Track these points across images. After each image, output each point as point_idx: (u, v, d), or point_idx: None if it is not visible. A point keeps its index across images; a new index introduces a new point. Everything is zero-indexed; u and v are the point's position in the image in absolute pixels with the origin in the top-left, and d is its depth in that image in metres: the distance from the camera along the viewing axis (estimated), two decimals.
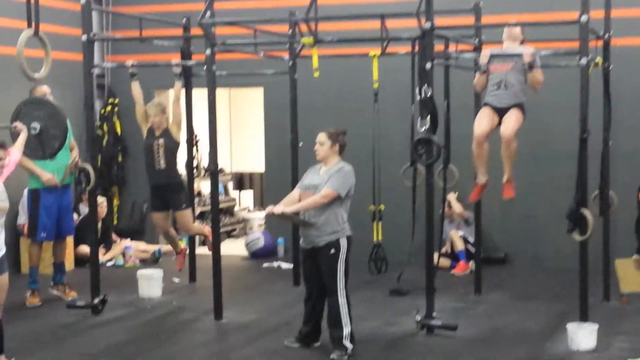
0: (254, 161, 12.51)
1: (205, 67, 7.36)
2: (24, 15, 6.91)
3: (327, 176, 6.09)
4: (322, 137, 6.21)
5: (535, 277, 8.79)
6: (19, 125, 6.36)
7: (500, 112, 7.09)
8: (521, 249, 9.49)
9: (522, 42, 7.18)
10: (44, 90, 7.86)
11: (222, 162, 12.77)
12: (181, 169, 9.72)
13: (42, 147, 6.83)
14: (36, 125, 6.71)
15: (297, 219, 6.17)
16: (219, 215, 7.50)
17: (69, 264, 9.36)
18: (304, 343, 6.27)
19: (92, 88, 7.63)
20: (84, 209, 9.22)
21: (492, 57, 7.17)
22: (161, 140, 7.88)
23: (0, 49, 8.34)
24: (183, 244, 8.55)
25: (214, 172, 7.40)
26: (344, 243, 6.06)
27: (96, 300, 7.38)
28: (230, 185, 13.02)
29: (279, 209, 6.13)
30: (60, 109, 6.98)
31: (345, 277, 6.06)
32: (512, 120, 7.01)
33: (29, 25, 6.79)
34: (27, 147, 6.45)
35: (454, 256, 9.24)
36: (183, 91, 8.33)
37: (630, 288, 5.93)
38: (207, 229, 8.36)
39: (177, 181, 8.05)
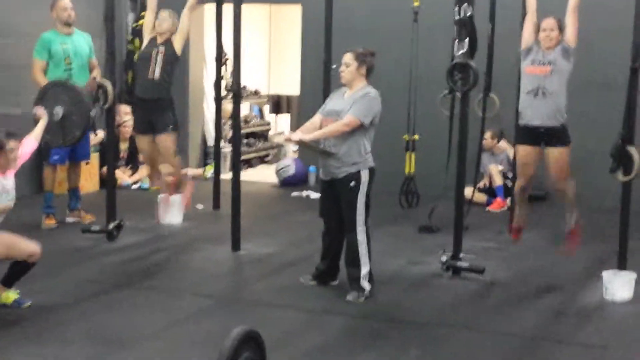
0: (292, 83, 12.03)
1: None
2: None
3: (351, 101, 5.61)
4: (348, 57, 5.70)
5: (586, 218, 8.17)
6: (39, 111, 5.99)
7: (539, 137, 6.26)
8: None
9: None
10: (66, 3, 7.47)
11: (259, 84, 12.42)
12: (209, 87, 9.34)
13: (63, 133, 6.54)
14: (59, 110, 6.38)
15: (316, 148, 5.72)
16: (239, 139, 7.07)
17: (94, 185, 9.12)
18: (320, 280, 5.90)
19: (111, 1, 7.18)
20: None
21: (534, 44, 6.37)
22: (162, 48, 7.33)
23: None
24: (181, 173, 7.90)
25: (236, 92, 6.94)
26: (365, 175, 5.61)
27: (111, 226, 7.09)
28: (267, 108, 12.60)
29: (296, 136, 5.69)
30: (85, 96, 6.61)
31: (366, 212, 5.62)
32: (559, 166, 6.25)
33: None
34: (48, 132, 6.12)
35: (492, 192, 8.74)
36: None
37: None
38: (180, 174, 7.77)
39: (167, 97, 7.40)
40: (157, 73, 7.27)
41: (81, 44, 7.54)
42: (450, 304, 5.64)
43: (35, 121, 5.93)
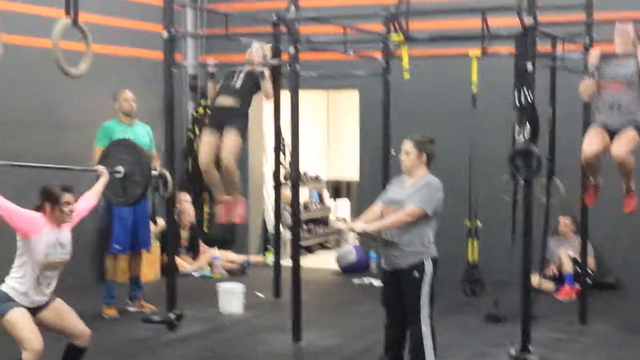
0: (351, 168, 12.00)
1: (288, 67, 6.92)
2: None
3: (412, 191, 5.52)
4: (407, 145, 5.62)
5: None
6: (99, 168, 6.02)
7: (613, 132, 6.34)
8: (636, 273, 8.64)
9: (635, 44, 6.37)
10: (127, 95, 7.60)
11: (318, 169, 12.43)
12: (268, 174, 9.35)
13: (124, 192, 6.52)
14: (121, 169, 6.40)
15: (378, 238, 5.62)
16: (299, 228, 7.04)
17: (155, 273, 9.12)
18: None
19: (172, 89, 7.27)
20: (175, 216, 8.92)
21: (604, 58, 6.41)
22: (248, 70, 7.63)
23: (41, 41, 7.94)
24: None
25: (295, 181, 6.92)
26: (429, 266, 5.48)
27: (172, 315, 7.03)
28: (327, 193, 12.57)
29: (359, 226, 5.60)
30: (146, 155, 6.65)
31: (430, 303, 5.47)
32: (625, 141, 6.22)
33: (67, 14, 6.01)
34: (109, 190, 6.13)
35: (560, 279, 8.48)
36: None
37: None
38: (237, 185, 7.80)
39: (243, 108, 7.63)
40: (239, 83, 7.47)
41: (142, 134, 7.64)
42: None
43: (97, 178, 5.92)
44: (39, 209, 5.07)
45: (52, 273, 5.08)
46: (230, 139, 7.45)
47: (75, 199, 5.19)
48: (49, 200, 5.03)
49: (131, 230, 7.55)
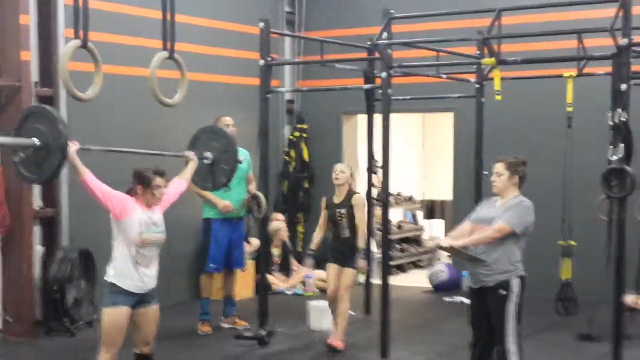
0: (446, 189, 12.00)
1: (380, 91, 7.03)
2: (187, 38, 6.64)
3: (502, 210, 5.52)
4: (499, 167, 5.63)
5: None
6: (189, 154, 6.20)
7: None
8: None
9: None
10: (228, 121, 7.80)
11: (412, 190, 12.48)
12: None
13: (211, 178, 6.65)
14: (209, 155, 6.53)
15: (465, 255, 5.64)
16: (389, 247, 7.11)
17: (249, 291, 9.31)
18: None
19: (267, 114, 7.50)
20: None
21: None
22: (342, 211, 7.18)
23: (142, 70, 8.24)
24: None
25: (385, 201, 7.00)
26: (516, 284, 5.46)
27: (263, 332, 7.19)
28: (421, 213, 12.60)
29: (446, 242, 5.64)
30: (234, 145, 6.75)
31: (517, 322, 5.45)
32: None
33: (164, 47, 6.16)
34: (197, 175, 6.26)
35: None
36: None
37: None
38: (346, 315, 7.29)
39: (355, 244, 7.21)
40: (345, 233, 7.21)
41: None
42: None
43: (186, 163, 6.06)
44: (130, 192, 5.26)
45: (149, 252, 5.20)
46: (346, 274, 7.19)
47: (166, 183, 5.35)
48: (141, 183, 5.22)
49: (226, 250, 7.74)
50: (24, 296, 7.56)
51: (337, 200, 7.19)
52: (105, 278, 5.20)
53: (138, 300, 5.18)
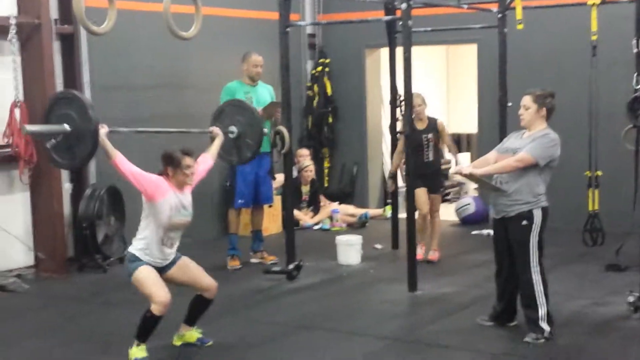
0: (471, 121, 11.94)
1: (401, 23, 6.94)
2: None
3: (529, 140, 5.50)
4: (527, 100, 5.58)
5: None
6: (215, 130, 6.15)
7: None
8: None
9: None
10: (259, 61, 7.76)
11: None
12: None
13: (237, 152, 6.64)
14: (234, 129, 6.51)
15: (486, 183, 5.64)
16: (413, 179, 7.08)
17: (277, 227, 9.39)
18: (498, 321, 5.78)
19: (287, 48, 7.43)
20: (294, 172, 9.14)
21: None
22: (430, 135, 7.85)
23: (154, 6, 7.96)
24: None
25: (408, 134, 6.98)
26: (537, 214, 5.46)
27: (291, 266, 7.28)
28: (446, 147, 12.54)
29: (467, 169, 5.60)
30: (260, 120, 6.73)
31: (540, 251, 5.46)
32: None
33: None
34: (222, 149, 6.22)
35: None
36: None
37: None
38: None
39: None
40: (430, 156, 7.84)
41: (264, 94, 7.82)
42: (637, 349, 5.36)
43: (212, 139, 6.09)
44: (162, 173, 5.29)
45: (175, 234, 5.32)
46: (435, 198, 7.95)
47: (195, 162, 5.38)
48: (171, 165, 5.24)
49: (254, 185, 7.80)
50: (55, 233, 7.69)
51: (420, 126, 7.79)
52: (129, 249, 5.30)
53: (160, 268, 5.29)
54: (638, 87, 6.01)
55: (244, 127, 6.50)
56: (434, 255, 7.89)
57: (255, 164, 7.65)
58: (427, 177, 7.69)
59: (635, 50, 6.03)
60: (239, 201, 7.81)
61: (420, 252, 7.65)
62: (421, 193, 7.65)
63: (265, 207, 8.16)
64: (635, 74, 6.01)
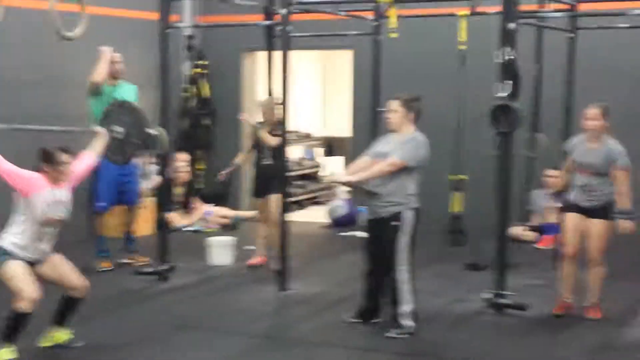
0: (345, 126, 12.20)
1: (280, 28, 7.07)
2: None
3: (397, 145, 5.75)
4: (394, 104, 5.84)
5: (630, 253, 7.99)
6: (98, 130, 6.06)
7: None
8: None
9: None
10: (113, 57, 7.69)
11: (313, 127, 12.65)
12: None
13: (122, 152, 6.60)
14: (120, 129, 6.45)
15: (361, 188, 5.87)
16: (287, 183, 7.24)
17: (150, 228, 9.32)
18: (363, 319, 5.99)
19: (167, 50, 7.44)
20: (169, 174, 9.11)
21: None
22: None
23: (40, 3, 7.76)
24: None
25: (283, 139, 7.11)
26: (408, 215, 5.71)
27: (163, 267, 7.29)
28: (321, 150, 12.80)
29: (342, 177, 5.85)
30: (145, 118, 6.70)
31: (410, 252, 5.72)
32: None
33: None
34: (109, 150, 6.20)
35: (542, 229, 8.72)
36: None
37: None
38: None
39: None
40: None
41: (126, 94, 7.70)
42: (492, 341, 5.70)
43: (97, 139, 6.00)
44: (39, 169, 5.25)
45: (51, 230, 5.29)
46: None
47: (73, 159, 5.35)
48: (47, 162, 5.22)
49: (117, 187, 7.75)
50: None
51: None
52: None
53: (31, 264, 5.24)
54: (500, 95, 6.30)
55: (130, 127, 6.48)
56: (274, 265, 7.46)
57: (118, 165, 7.57)
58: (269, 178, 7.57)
59: (498, 60, 6.31)
60: (100, 204, 7.74)
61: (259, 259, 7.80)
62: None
63: (139, 208, 8.12)
64: (498, 83, 6.30)
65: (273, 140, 7.38)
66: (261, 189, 7.71)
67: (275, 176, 7.35)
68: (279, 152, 7.27)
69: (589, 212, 6.08)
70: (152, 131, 6.73)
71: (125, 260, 7.92)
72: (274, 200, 7.44)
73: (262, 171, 7.68)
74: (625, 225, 5.96)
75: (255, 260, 7.86)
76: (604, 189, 6.04)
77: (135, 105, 6.88)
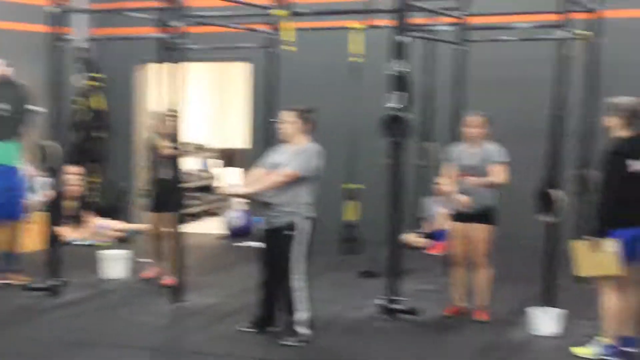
0: (243, 137, 12.21)
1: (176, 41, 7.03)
2: None
3: (291, 155, 5.81)
4: (287, 115, 5.92)
5: (512, 257, 8.18)
6: None
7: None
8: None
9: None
10: None
11: (209, 138, 12.63)
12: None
13: (8, 129, 6.37)
14: (6, 106, 6.24)
15: (256, 199, 5.90)
16: (182, 195, 7.19)
17: (41, 243, 9.08)
18: (258, 327, 6.01)
19: (58, 62, 7.29)
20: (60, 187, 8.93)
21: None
22: None
23: None
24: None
25: (177, 150, 7.06)
26: (303, 225, 5.77)
27: (54, 282, 7.13)
28: (217, 162, 12.78)
29: (237, 189, 5.88)
30: (28, 93, 6.47)
31: (305, 261, 5.78)
32: None
33: None
34: None
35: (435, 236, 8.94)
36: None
37: (587, 272, 5.54)
38: None
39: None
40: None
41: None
42: (386, 346, 5.80)
43: None
44: None
45: None
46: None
47: None
48: None
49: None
50: None
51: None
52: None
53: None
54: (391, 105, 6.44)
55: (14, 103, 6.27)
56: (167, 279, 7.31)
57: (2, 178, 7.39)
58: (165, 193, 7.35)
59: (390, 72, 6.46)
60: None
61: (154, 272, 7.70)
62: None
63: (24, 223, 7.87)
64: (390, 95, 6.44)
65: (167, 150, 7.31)
66: (157, 204, 7.59)
67: (172, 191, 7.19)
68: (174, 166, 7.17)
69: (471, 218, 6.30)
70: (33, 107, 6.54)
71: (3, 281, 7.52)
72: (171, 217, 7.25)
73: (159, 185, 7.55)
74: (462, 200, 6.28)
75: (149, 273, 7.77)
76: (485, 194, 6.27)
77: (19, 82, 6.67)
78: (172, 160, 7.10)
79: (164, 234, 7.48)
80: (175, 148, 6.99)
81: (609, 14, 7.57)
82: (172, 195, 7.16)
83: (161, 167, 7.43)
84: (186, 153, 8.22)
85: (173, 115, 7.70)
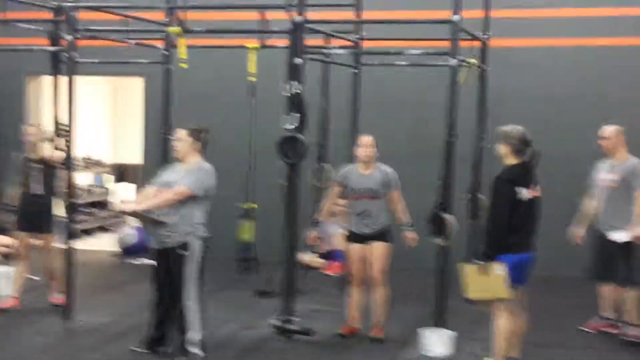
0: (136, 153, 12.07)
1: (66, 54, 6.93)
2: None
3: (184, 174, 5.79)
4: (181, 133, 5.90)
5: (409, 278, 8.47)
6: None
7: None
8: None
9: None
10: None
11: (102, 153, 12.43)
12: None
13: None
14: None
15: (148, 218, 5.84)
16: (73, 211, 7.05)
17: None
18: (150, 347, 5.94)
19: None
20: None
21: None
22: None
23: None
24: None
25: (69, 165, 6.95)
26: (196, 245, 5.75)
27: None
28: (111, 177, 12.59)
29: (128, 206, 5.81)
30: None
31: (198, 280, 5.75)
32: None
33: None
34: None
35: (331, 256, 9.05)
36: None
37: (475, 295, 5.72)
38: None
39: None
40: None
41: None
42: None
43: None
44: None
45: None
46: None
47: None
48: None
49: None
50: None
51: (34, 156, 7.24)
52: None
53: None
54: (287, 127, 6.50)
55: None
56: (57, 298, 7.24)
57: None
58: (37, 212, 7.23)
59: (286, 93, 6.52)
60: None
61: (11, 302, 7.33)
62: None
63: None
64: (286, 115, 6.50)
65: (56, 156, 7.16)
66: (27, 223, 7.28)
67: (45, 209, 7.11)
68: (49, 182, 7.08)
69: (369, 238, 6.42)
70: None
71: None
72: (49, 238, 7.18)
73: (30, 202, 7.26)
74: (411, 235, 6.40)
75: (6, 303, 7.27)
76: (381, 214, 6.41)
77: None
78: (47, 175, 7.03)
79: (41, 252, 7.25)
80: (65, 162, 6.87)
81: (495, 42, 7.84)
82: (45, 214, 7.08)
83: (33, 183, 7.20)
84: (77, 167, 8.08)
85: (64, 128, 7.62)
